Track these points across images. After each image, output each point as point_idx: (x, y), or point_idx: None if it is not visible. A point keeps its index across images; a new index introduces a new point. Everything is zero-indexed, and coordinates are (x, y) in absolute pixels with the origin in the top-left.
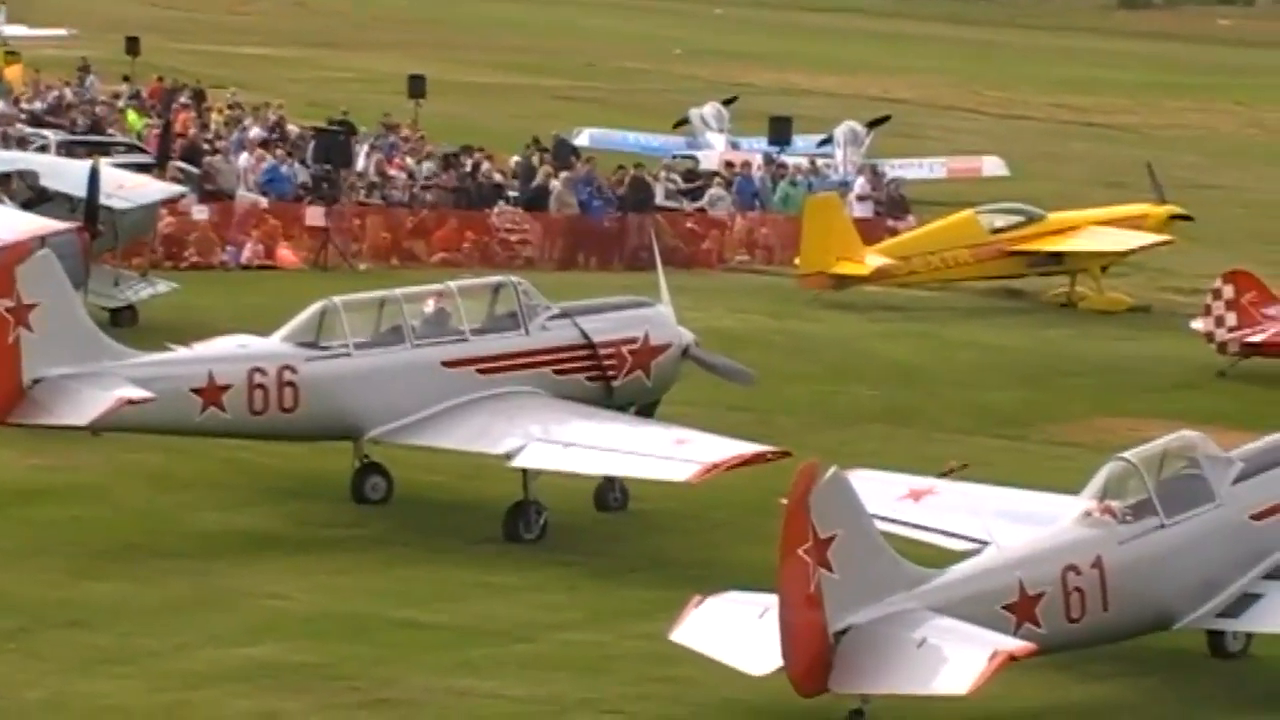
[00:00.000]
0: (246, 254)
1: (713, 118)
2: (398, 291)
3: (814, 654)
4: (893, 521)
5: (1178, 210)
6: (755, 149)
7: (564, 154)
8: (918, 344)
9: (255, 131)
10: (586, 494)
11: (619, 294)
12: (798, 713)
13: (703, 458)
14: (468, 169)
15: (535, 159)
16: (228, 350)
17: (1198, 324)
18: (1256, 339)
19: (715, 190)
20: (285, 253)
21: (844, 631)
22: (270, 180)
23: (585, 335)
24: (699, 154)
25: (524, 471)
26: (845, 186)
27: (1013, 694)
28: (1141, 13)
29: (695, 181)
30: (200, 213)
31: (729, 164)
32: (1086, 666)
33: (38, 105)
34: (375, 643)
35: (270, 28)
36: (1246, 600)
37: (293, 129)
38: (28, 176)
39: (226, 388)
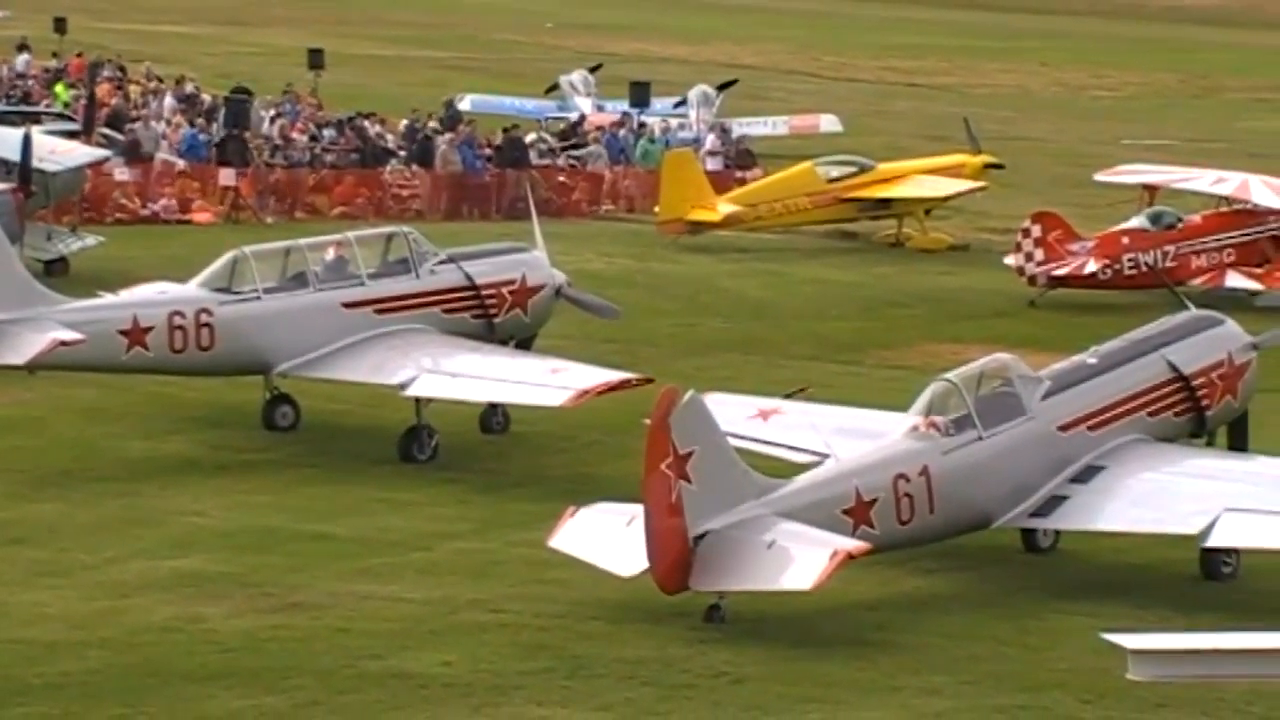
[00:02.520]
0: (164, 209)
1: (580, 83)
2: (301, 241)
3: (676, 556)
4: (744, 438)
5: (991, 159)
6: (618, 111)
7: (453, 118)
8: (764, 281)
9: (169, 101)
10: (472, 418)
11: (499, 241)
12: (662, 609)
13: (575, 385)
14: (370, 133)
15: (422, 123)
16: (150, 296)
17: (1010, 260)
18: (1061, 272)
19: (594, 148)
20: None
21: (702, 536)
22: (190, 147)
23: (469, 278)
24: (570, 117)
25: (416, 400)
26: (698, 143)
27: (851, 588)
28: None
29: (570, 140)
30: (123, 173)
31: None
32: (916, 562)
33: None
34: (286, 553)
35: (184, 7)
36: (1055, 502)
37: (205, 98)
38: None
39: (149, 329)
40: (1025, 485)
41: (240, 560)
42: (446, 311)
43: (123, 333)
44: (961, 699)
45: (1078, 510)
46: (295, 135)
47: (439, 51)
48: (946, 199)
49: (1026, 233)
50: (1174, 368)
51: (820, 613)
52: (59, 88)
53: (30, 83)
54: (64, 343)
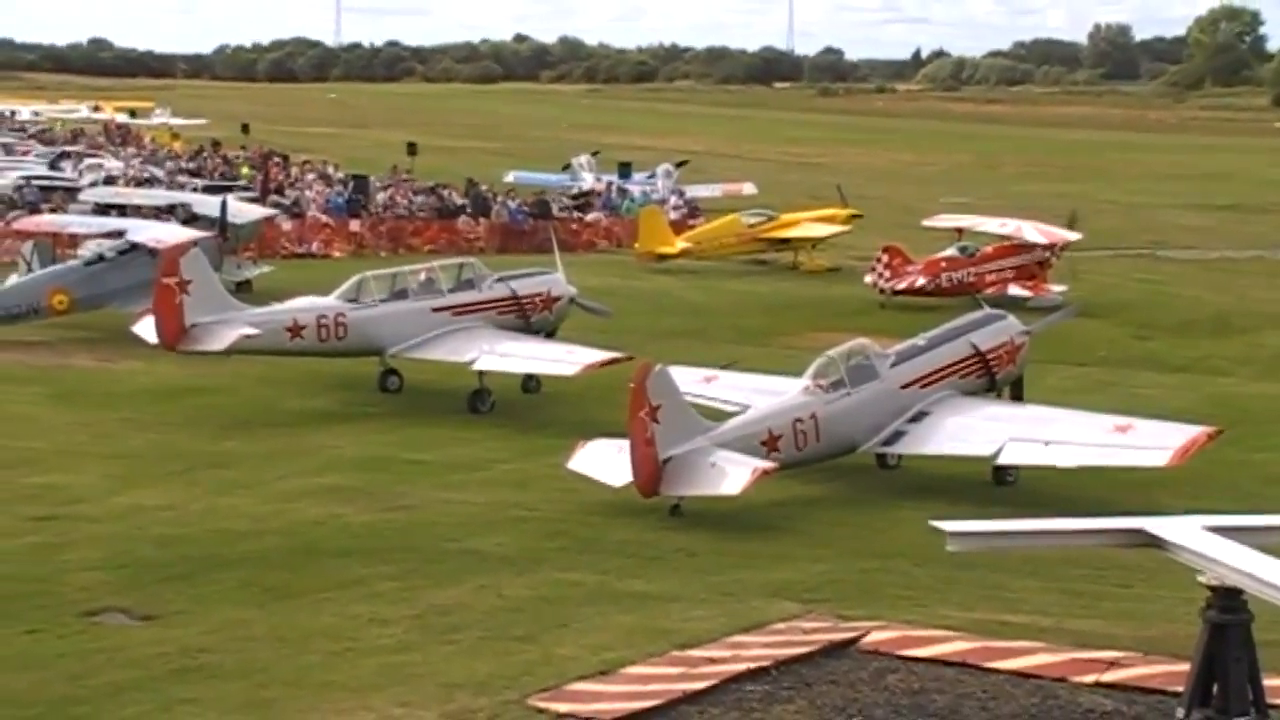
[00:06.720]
0: (314, 248)
1: (585, 163)
2: (404, 268)
3: (650, 473)
4: (694, 395)
5: (854, 211)
6: (610, 181)
7: (477, 195)
8: (706, 292)
9: (311, 176)
10: (515, 383)
11: (533, 267)
12: (643, 507)
13: (583, 360)
14: (447, 196)
15: (481, 189)
16: (304, 304)
17: (868, 278)
18: (900, 286)
19: (597, 212)
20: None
21: (667, 460)
22: (335, 207)
23: (513, 291)
24: (579, 185)
25: (479, 371)
26: (663, 203)
27: (763, 494)
28: (831, 99)
29: (580, 199)
30: (286, 225)
31: (594, 191)
32: (807, 476)
33: (190, 164)
34: (394, 472)
35: (324, 117)
36: (897, 435)
37: (339, 175)
38: (185, 206)
39: (304, 326)
40: (878, 424)
41: (364, 477)
42: (499, 314)
43: (287, 329)
44: (837, 563)
45: (913, 440)
46: (399, 199)
47: (491, 143)
48: (825, 238)
49: (878, 259)
50: (975, 347)
51: (745, 509)
52: (244, 169)
53: (225, 167)
54: (248, 336)
